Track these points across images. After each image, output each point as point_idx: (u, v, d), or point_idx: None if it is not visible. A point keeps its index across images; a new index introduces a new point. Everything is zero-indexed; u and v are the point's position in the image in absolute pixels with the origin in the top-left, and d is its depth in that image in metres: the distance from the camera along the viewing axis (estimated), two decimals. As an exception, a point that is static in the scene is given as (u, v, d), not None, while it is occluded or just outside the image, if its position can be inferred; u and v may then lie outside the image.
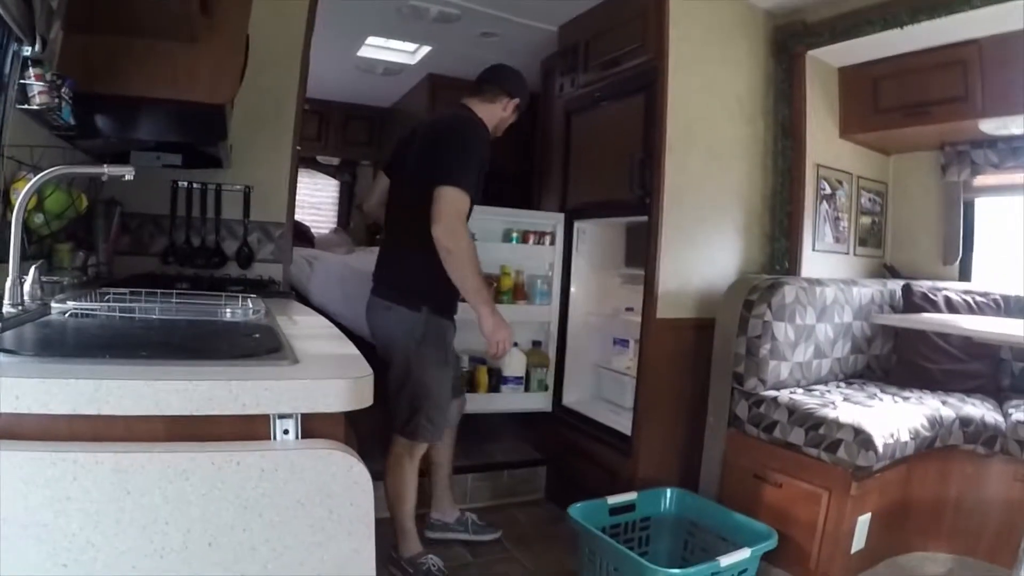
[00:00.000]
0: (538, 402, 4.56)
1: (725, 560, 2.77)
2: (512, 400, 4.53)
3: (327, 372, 1.42)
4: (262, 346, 1.63)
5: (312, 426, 1.36)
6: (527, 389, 4.56)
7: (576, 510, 3.09)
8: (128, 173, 2.01)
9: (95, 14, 2.30)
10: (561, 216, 4.62)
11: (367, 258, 5.73)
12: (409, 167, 3.21)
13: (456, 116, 3.24)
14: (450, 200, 2.89)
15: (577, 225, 4.51)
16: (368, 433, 3.22)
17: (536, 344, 4.67)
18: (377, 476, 1.42)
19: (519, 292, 4.55)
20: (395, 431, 3.21)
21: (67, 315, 1.99)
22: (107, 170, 1.99)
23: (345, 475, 1.31)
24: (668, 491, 3.41)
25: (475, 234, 3.22)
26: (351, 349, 1.75)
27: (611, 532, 3.15)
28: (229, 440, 1.29)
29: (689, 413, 3.84)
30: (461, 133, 3.11)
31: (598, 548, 2.95)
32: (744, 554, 2.83)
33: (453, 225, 2.90)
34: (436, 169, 2.96)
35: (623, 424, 3.92)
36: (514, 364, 4.48)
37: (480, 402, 4.37)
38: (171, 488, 1.21)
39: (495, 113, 3.34)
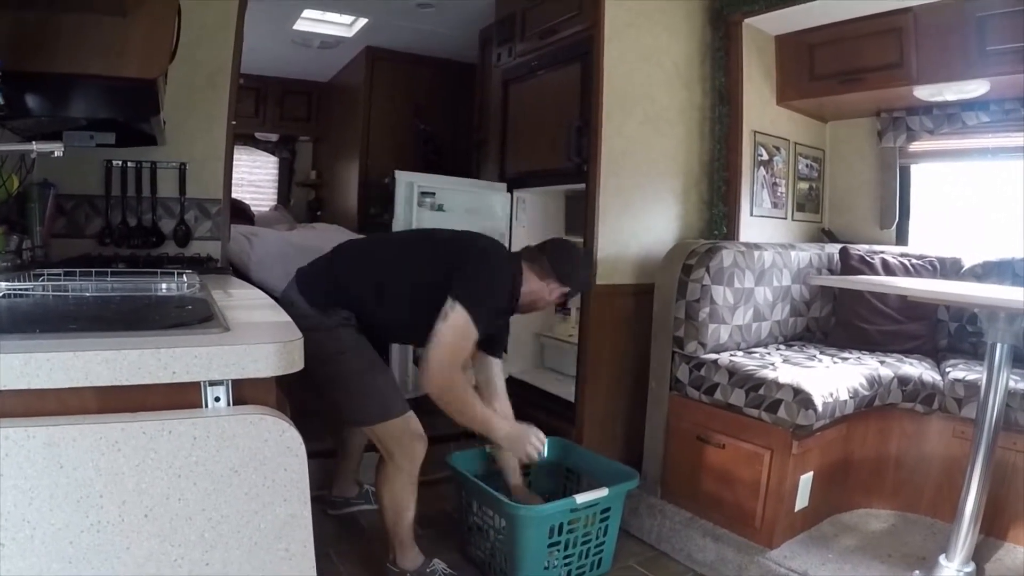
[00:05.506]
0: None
1: (581, 498, 2.92)
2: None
3: (256, 338, 1.40)
4: (194, 316, 1.62)
5: (243, 393, 1.36)
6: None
7: (455, 458, 3.25)
8: (57, 150, 1.99)
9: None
10: (503, 186, 4.62)
11: (308, 234, 5.71)
12: (433, 251, 2.92)
13: (507, 265, 2.91)
14: (457, 329, 2.61)
15: (516, 195, 4.52)
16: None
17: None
18: (314, 455, 1.41)
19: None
20: (359, 424, 3.03)
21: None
22: (35, 147, 1.98)
23: (277, 441, 1.31)
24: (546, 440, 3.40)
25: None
26: (283, 317, 1.74)
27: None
28: (161, 409, 1.28)
29: (631, 378, 3.88)
30: (500, 277, 2.83)
31: (472, 492, 3.11)
32: (602, 492, 2.97)
33: (448, 372, 2.65)
34: (463, 284, 2.67)
35: (567, 391, 3.96)
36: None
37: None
38: (104, 460, 1.21)
39: (534, 286, 2.94)
